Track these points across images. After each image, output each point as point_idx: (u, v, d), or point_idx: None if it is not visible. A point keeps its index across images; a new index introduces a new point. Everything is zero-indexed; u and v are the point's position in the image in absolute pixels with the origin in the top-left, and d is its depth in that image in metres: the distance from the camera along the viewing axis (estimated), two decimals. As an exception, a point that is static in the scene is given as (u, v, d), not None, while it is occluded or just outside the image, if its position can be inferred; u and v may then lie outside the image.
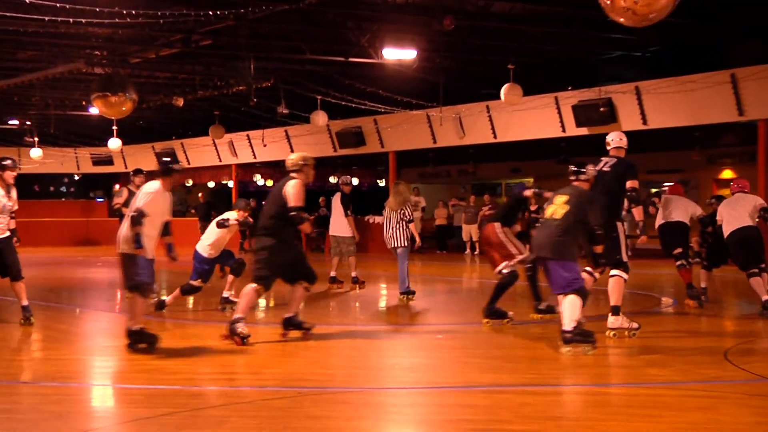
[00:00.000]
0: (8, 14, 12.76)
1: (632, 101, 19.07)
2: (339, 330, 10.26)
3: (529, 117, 20.82)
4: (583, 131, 20.20)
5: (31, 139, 28.30)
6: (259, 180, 35.01)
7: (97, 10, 13.12)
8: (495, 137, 22.06)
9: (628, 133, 20.08)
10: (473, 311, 11.66)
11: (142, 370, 7.62)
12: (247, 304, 8.72)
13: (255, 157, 28.74)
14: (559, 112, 20.39)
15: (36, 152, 28.03)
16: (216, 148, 29.14)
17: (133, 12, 12.95)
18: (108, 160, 32.40)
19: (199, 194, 29.82)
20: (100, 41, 17.24)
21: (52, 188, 38.42)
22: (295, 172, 9.09)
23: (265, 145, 27.60)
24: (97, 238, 32.57)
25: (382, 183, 34.23)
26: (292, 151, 27.10)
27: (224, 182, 32.79)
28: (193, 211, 32.94)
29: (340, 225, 14.30)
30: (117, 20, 13.53)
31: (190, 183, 34.19)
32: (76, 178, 37.75)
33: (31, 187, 35.91)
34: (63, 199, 37.36)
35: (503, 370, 7.30)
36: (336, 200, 14.44)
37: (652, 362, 7.42)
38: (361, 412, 6.06)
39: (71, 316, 11.91)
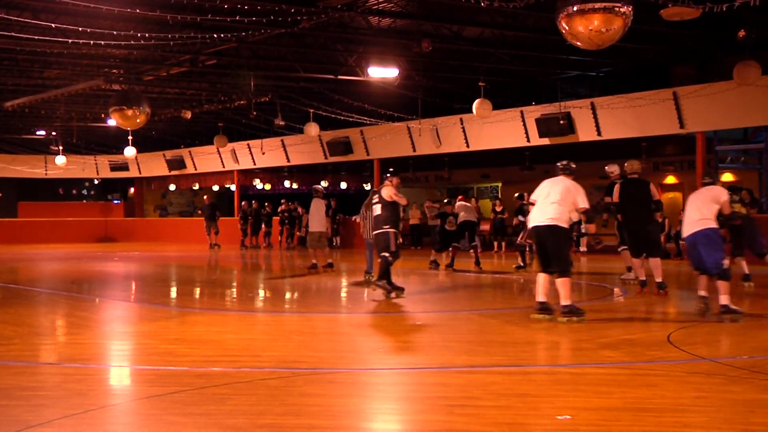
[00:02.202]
0: (36, 37, 12.67)
1: (588, 115, 19.15)
2: (329, 317, 10.23)
3: (497, 128, 20.86)
4: (545, 141, 20.26)
5: (56, 148, 28.14)
6: (258, 184, 34.92)
7: (115, 33, 13.04)
8: (468, 146, 22.09)
9: (584, 143, 20.41)
10: (447, 300, 11.68)
11: (154, 353, 7.57)
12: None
13: (255, 164, 28.65)
14: (524, 124, 20.44)
15: (60, 159, 27.87)
16: (220, 156, 29.03)
17: (147, 35, 12.88)
18: (124, 166, 32.21)
19: (205, 197, 29.73)
20: (117, 61, 17.15)
21: (74, 191, 38.12)
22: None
23: (263, 153, 27.52)
24: (114, 235, 32.43)
25: (367, 186, 34.22)
26: (288, 158, 27.12)
27: (227, 186, 32.67)
28: (199, 212, 32.82)
29: (318, 223, 15.29)
30: (132, 42, 13.45)
31: (196, 186, 34.05)
32: (96, 182, 37.49)
33: (56, 190, 35.64)
34: (84, 201, 37.06)
35: (476, 352, 7.29)
36: (315, 203, 15.35)
37: (605, 345, 7.44)
38: (349, 390, 6.04)
39: (91, 305, 11.82)
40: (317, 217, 15.37)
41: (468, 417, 5.07)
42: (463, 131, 21.93)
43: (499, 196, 27.52)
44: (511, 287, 13.46)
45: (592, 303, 10.89)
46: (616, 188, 11.49)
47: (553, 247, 8.76)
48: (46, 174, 31.99)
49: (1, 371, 6.64)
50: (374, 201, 11.70)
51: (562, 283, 8.69)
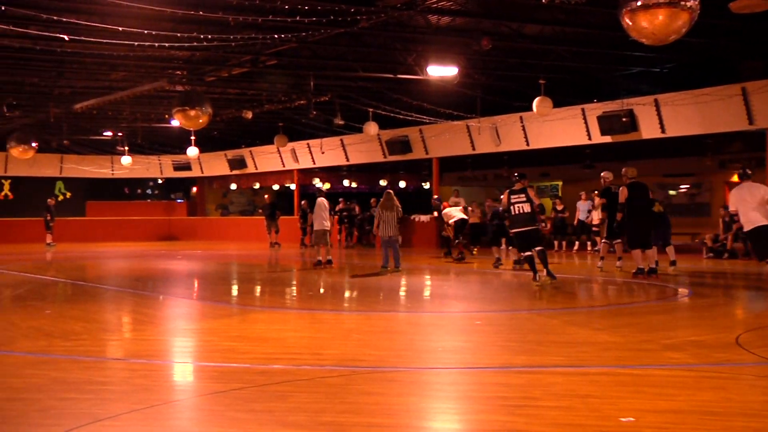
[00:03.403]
0: (104, 41, 12.99)
1: (651, 112, 18.78)
2: (388, 316, 10.26)
3: (558, 126, 20.63)
4: (607, 139, 19.95)
5: (122, 148, 28.83)
6: (317, 183, 35.17)
7: (178, 35, 13.28)
8: (528, 145, 21.89)
9: (647, 141, 20.03)
10: (507, 300, 11.60)
11: (216, 350, 7.70)
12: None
13: (314, 163, 28.88)
14: (586, 122, 20.17)
15: (126, 159, 28.54)
16: (280, 155, 29.34)
17: (209, 36, 13.10)
18: (187, 166, 32.81)
19: (266, 196, 30.07)
20: (180, 62, 17.47)
21: (139, 191, 38.93)
22: None
23: (323, 152, 27.74)
24: (177, 234, 33.05)
25: (426, 186, 34.16)
26: (347, 157, 27.27)
27: (287, 185, 32.99)
28: (260, 210, 33.22)
29: (322, 221, 16.19)
30: (195, 44, 13.69)
31: (257, 186, 34.45)
32: (160, 181, 38.24)
33: (121, 189, 36.47)
34: (148, 201, 37.84)
35: (536, 352, 7.22)
36: (320, 203, 16.22)
37: (669, 346, 7.30)
38: (409, 389, 6.04)
39: (155, 302, 12.07)
40: (322, 216, 16.19)
41: (528, 417, 5.03)
42: (523, 129, 21.74)
43: (560, 195, 27.20)
44: (572, 287, 13.29)
45: (656, 303, 10.70)
46: (623, 190, 13.30)
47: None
48: (112, 174, 32.80)
49: (72, 365, 6.84)
50: (520, 200, 12.64)
51: None
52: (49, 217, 26.57)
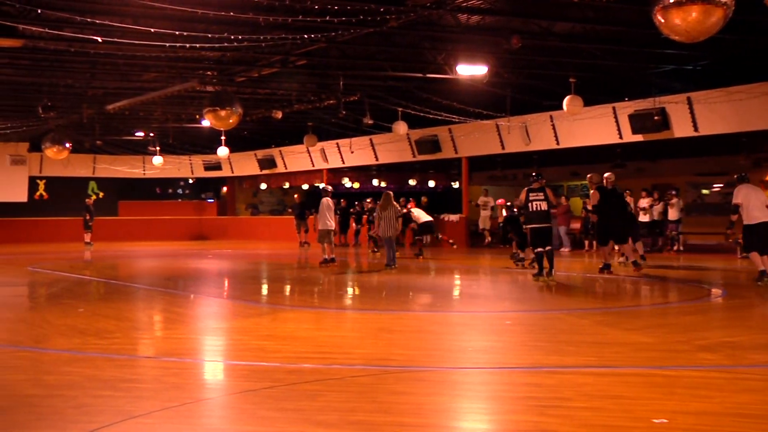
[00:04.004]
0: (137, 42, 13.13)
1: (684, 110, 18.56)
2: (417, 315, 10.25)
3: (588, 125, 20.46)
4: (639, 138, 19.75)
5: (153, 148, 29.10)
6: (347, 183, 35.24)
7: (209, 36, 13.38)
8: (558, 144, 21.74)
9: (679, 139, 19.79)
10: (536, 300, 11.53)
11: (247, 349, 7.75)
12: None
13: (343, 163, 28.93)
14: (617, 121, 19.99)
15: (157, 159, 28.82)
16: (309, 155, 29.44)
17: (239, 37, 13.18)
18: (217, 166, 33.06)
19: (295, 195, 30.17)
20: (210, 63, 17.60)
21: (170, 190, 39.31)
22: None
23: (352, 152, 27.77)
24: (207, 233, 33.31)
25: (455, 185, 34.07)
26: (376, 157, 27.29)
27: (316, 185, 33.10)
28: (290, 210, 33.36)
29: (326, 221, 16.80)
30: (225, 44, 13.78)
31: (287, 185, 34.61)
32: (190, 181, 38.58)
33: (153, 189, 36.84)
34: (179, 200, 38.20)
35: (566, 352, 7.17)
36: (325, 203, 16.80)
37: (702, 347, 7.21)
38: (439, 388, 6.03)
39: (186, 301, 12.18)
40: (326, 216, 16.73)
41: (560, 418, 5.00)
42: (553, 128, 21.60)
43: (590, 194, 26.98)
44: (601, 288, 13.18)
45: (689, 303, 10.57)
46: (594, 194, 14.55)
47: None
48: (144, 174, 33.14)
49: (105, 363, 6.92)
50: (539, 198, 13.30)
51: None
52: (87, 217, 26.90)
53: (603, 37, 16.44)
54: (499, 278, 14.81)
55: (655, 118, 18.85)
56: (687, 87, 19.21)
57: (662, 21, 8.51)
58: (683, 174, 27.07)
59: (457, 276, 15.44)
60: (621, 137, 20.13)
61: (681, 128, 18.82)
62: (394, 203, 16.55)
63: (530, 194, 13.31)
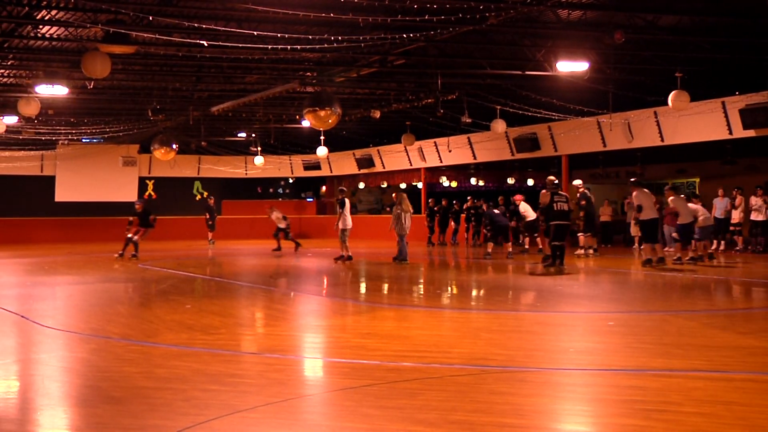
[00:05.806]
0: (240, 45, 13.49)
1: (801, 104, 17.66)
2: (517, 315, 10.14)
3: (695, 121, 19.75)
4: (750, 133, 18.93)
5: (255, 149, 29.83)
6: (444, 182, 35.17)
7: (310, 37, 13.62)
8: (662, 140, 21.08)
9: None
10: (640, 300, 11.22)
11: (347, 347, 7.84)
12: None
13: (441, 162, 28.90)
14: (726, 116, 19.22)
15: (259, 160, 29.52)
16: (407, 154, 29.54)
17: (339, 38, 13.36)
18: (316, 166, 33.59)
19: (393, 194, 30.31)
20: (310, 64, 17.91)
21: (271, 190, 40.18)
22: None
23: (450, 151, 27.71)
24: (307, 232, 33.84)
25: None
26: (474, 155, 27.15)
27: (414, 183, 33.18)
28: (388, 209, 33.55)
29: (347, 221, 18.39)
30: (325, 45, 13.99)
31: (384, 184, 34.82)
32: (291, 181, 39.32)
33: (255, 189, 37.74)
34: (280, 199, 39.00)
35: (673, 355, 6.95)
36: (347, 204, 18.50)
37: (821, 354, 6.85)
38: (540, 389, 5.95)
39: (287, 299, 12.43)
40: (348, 216, 18.32)
41: (667, 423, 4.85)
42: (658, 125, 20.96)
43: (697, 193, 26.04)
44: (709, 288, 12.70)
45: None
46: (544, 194, 16.46)
47: None
48: (246, 174, 34.00)
49: (212, 358, 7.15)
50: (561, 200, 16.18)
51: None
52: (207, 216, 27.76)
53: (712, 29, 15.85)
54: (601, 277, 14.48)
55: (769, 112, 18.03)
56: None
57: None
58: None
59: (557, 276, 15.18)
60: (731, 133, 19.35)
61: (797, 123, 17.93)
62: (408, 204, 18.26)
63: (554, 197, 16.17)
